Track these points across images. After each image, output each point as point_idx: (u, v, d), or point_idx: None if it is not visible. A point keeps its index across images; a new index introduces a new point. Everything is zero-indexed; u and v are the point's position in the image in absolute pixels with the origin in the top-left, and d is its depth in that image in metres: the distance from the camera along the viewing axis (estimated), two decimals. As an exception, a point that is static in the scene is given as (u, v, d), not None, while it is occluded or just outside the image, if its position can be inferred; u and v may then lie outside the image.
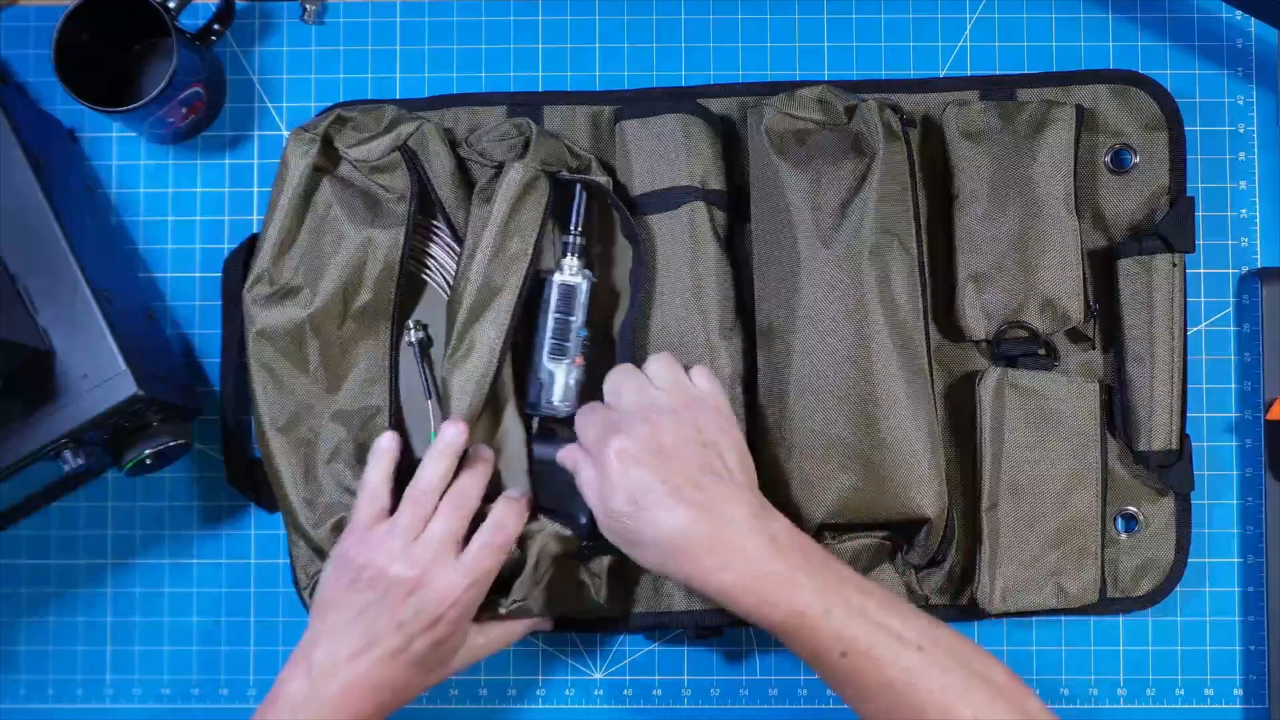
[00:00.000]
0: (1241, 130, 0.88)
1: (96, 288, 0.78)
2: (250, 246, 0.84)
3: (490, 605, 0.78)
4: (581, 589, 0.81)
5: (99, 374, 0.76)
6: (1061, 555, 0.82)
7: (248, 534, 0.88)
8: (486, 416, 0.81)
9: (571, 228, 0.82)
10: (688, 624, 0.84)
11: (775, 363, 0.81)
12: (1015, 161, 0.82)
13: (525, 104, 0.87)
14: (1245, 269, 0.88)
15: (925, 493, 0.79)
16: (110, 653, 0.88)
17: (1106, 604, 0.84)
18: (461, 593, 0.74)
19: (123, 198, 0.89)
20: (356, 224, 0.81)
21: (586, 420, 0.75)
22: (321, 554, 0.80)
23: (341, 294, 0.81)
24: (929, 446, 0.79)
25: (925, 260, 0.82)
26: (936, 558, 0.81)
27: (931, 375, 0.81)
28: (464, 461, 0.78)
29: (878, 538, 0.82)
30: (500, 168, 0.81)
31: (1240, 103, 0.88)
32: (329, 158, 0.83)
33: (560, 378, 0.82)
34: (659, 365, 0.77)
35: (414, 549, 0.74)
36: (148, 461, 0.81)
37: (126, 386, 0.76)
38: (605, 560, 0.81)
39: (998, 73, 0.88)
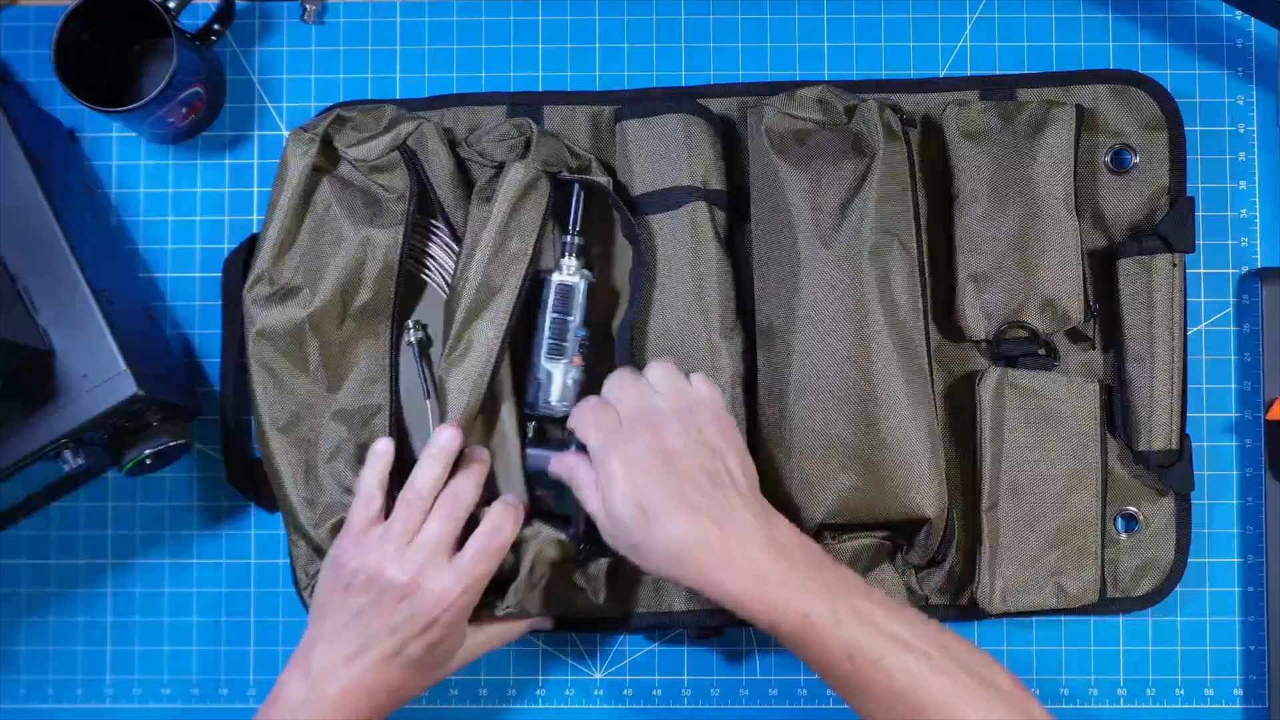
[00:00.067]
0: (1241, 130, 0.88)
1: (96, 288, 0.78)
2: (250, 246, 0.84)
3: (487, 607, 0.78)
4: (579, 592, 0.81)
5: (99, 374, 0.76)
6: (1061, 555, 0.82)
7: (248, 534, 0.88)
8: (483, 417, 0.81)
9: (571, 228, 0.82)
10: (688, 624, 0.84)
11: (775, 363, 0.81)
12: (1015, 161, 0.82)
13: (525, 104, 0.87)
14: (1245, 269, 0.88)
15: (925, 493, 0.79)
16: (110, 653, 0.88)
17: (1106, 604, 0.84)
18: (455, 597, 0.74)
19: (123, 198, 0.89)
20: (356, 224, 0.81)
21: (584, 422, 0.75)
22: (321, 553, 0.80)
23: (341, 294, 0.81)
24: (929, 446, 0.79)
25: (925, 260, 0.82)
26: (936, 558, 0.81)
27: (931, 375, 0.81)
28: (459, 463, 0.78)
29: (878, 538, 0.82)
30: (500, 168, 0.81)
31: (1240, 103, 0.88)
32: (328, 158, 0.83)
33: (558, 377, 0.82)
34: (659, 371, 0.77)
35: (407, 553, 0.74)
36: (148, 461, 0.81)
37: (126, 386, 0.76)
38: (603, 563, 0.81)
39: (998, 73, 0.88)
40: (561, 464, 0.76)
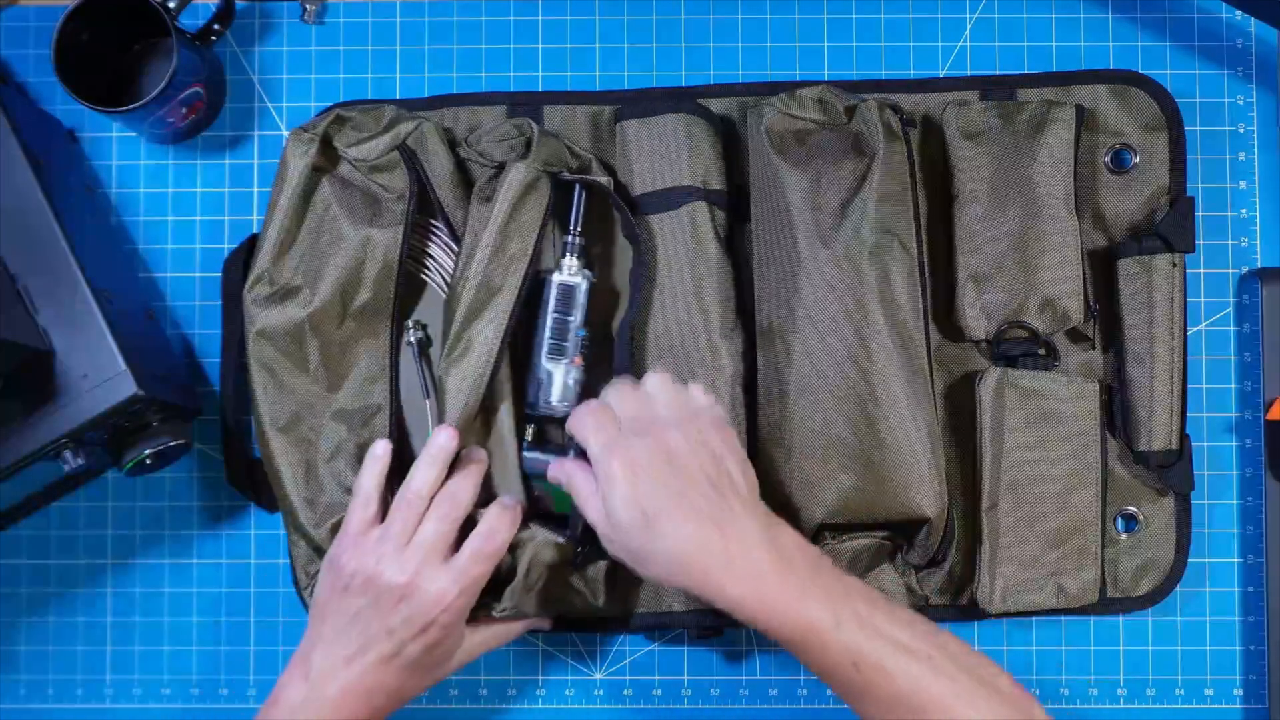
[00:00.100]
0: (1241, 130, 0.88)
1: (96, 288, 0.78)
2: (250, 246, 0.84)
3: (485, 608, 0.78)
4: (577, 595, 0.81)
5: (99, 374, 0.76)
6: (1061, 555, 0.82)
7: (248, 534, 0.88)
8: (481, 418, 0.80)
9: (571, 228, 0.82)
10: (688, 624, 0.84)
11: (775, 363, 0.81)
12: (1015, 161, 0.82)
13: (525, 104, 0.87)
14: (1245, 269, 0.88)
15: (925, 493, 0.79)
16: (110, 653, 0.88)
17: (1106, 604, 0.84)
18: (452, 599, 0.74)
19: (123, 198, 0.89)
20: (355, 223, 0.81)
21: (584, 424, 0.74)
22: (322, 553, 0.80)
23: (341, 293, 0.81)
24: (929, 446, 0.79)
25: (925, 260, 0.82)
26: (936, 558, 0.81)
27: (931, 375, 0.81)
28: (457, 463, 0.78)
29: (878, 538, 0.82)
30: (500, 168, 0.81)
31: (1240, 103, 0.88)
32: (328, 157, 0.83)
33: (558, 378, 0.82)
34: (656, 381, 0.76)
35: (404, 555, 0.74)
36: (148, 461, 0.81)
37: (126, 386, 0.76)
38: (601, 565, 0.81)
39: (998, 73, 0.88)
40: (560, 470, 0.76)
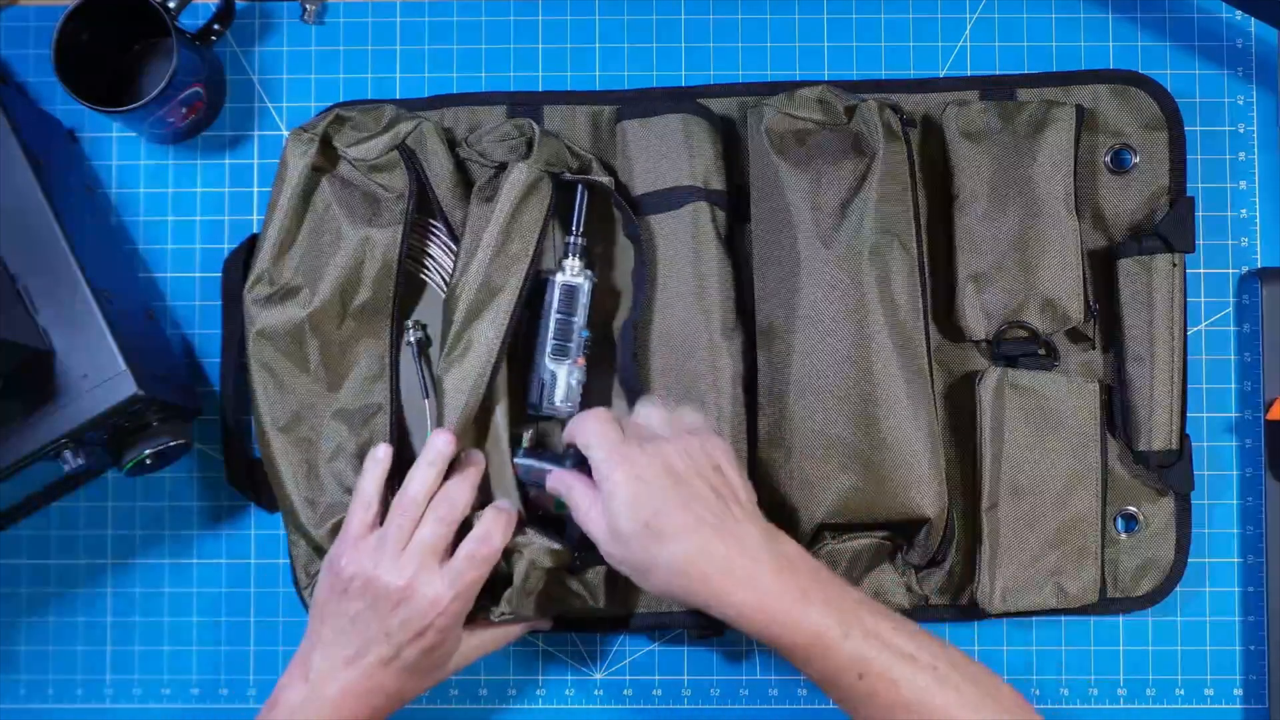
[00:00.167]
0: (1241, 130, 0.88)
1: (96, 288, 0.78)
2: (250, 246, 0.84)
3: (483, 611, 0.78)
4: (575, 598, 0.81)
5: (99, 374, 0.76)
6: (1061, 555, 0.82)
7: (248, 534, 0.88)
8: (477, 420, 0.80)
9: (573, 228, 0.82)
10: (688, 624, 0.84)
11: (775, 363, 0.81)
12: (1015, 161, 0.82)
13: (525, 104, 0.87)
14: (1245, 269, 0.88)
15: (925, 493, 0.79)
16: (110, 653, 0.88)
17: (1106, 604, 0.84)
18: (448, 602, 0.74)
19: (123, 198, 0.89)
20: (355, 223, 0.81)
21: (587, 431, 0.74)
22: (322, 553, 0.80)
23: (340, 293, 0.81)
24: (929, 446, 0.79)
25: (925, 260, 0.82)
26: (936, 558, 0.81)
27: (931, 375, 0.81)
28: (454, 466, 0.78)
29: (878, 538, 0.82)
30: (500, 168, 0.81)
31: (1240, 103, 0.88)
32: (328, 157, 0.83)
33: (562, 378, 0.82)
34: (648, 406, 0.77)
35: (401, 558, 0.74)
36: (148, 461, 0.81)
37: (126, 386, 0.76)
38: (600, 569, 0.81)
39: (998, 73, 0.88)
40: (559, 481, 0.76)
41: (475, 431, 0.81)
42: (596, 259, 0.85)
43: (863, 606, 0.70)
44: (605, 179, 0.82)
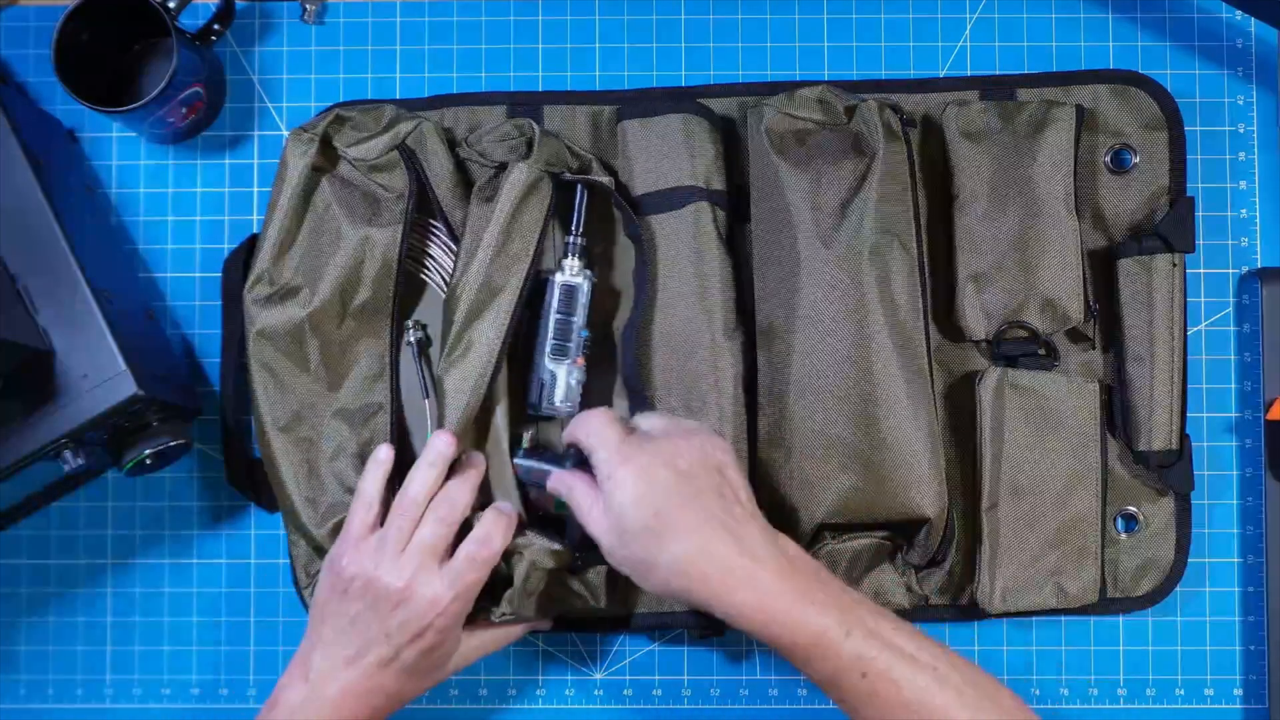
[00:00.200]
0: (1241, 130, 0.88)
1: (96, 288, 0.78)
2: (250, 246, 0.84)
3: (483, 612, 0.78)
4: (576, 598, 0.81)
5: (99, 374, 0.76)
6: (1061, 555, 0.82)
7: (248, 534, 0.88)
8: (477, 420, 0.80)
9: (573, 228, 0.82)
10: (688, 624, 0.84)
11: (775, 363, 0.81)
12: (1015, 161, 0.82)
13: (525, 104, 0.87)
14: (1245, 269, 0.88)
15: (925, 493, 0.79)
16: (110, 653, 0.88)
17: (1106, 604, 0.84)
18: (447, 604, 0.74)
19: (123, 198, 0.89)
20: (355, 223, 0.81)
21: (591, 430, 0.74)
22: (323, 553, 0.80)
23: (340, 293, 0.81)
24: (929, 446, 0.79)
25: (925, 260, 0.82)
26: (936, 558, 0.81)
27: (931, 375, 0.81)
28: (455, 467, 0.78)
29: (878, 538, 0.82)
30: (500, 168, 0.81)
31: (1240, 103, 0.88)
32: (328, 157, 0.83)
33: (562, 378, 0.82)
34: (649, 415, 0.77)
35: (401, 559, 0.74)
36: (148, 461, 0.81)
37: (126, 386, 0.76)
38: (601, 569, 0.81)
39: (998, 73, 0.88)
40: (560, 482, 0.76)
41: (475, 432, 0.80)
42: (596, 259, 0.85)
43: (862, 607, 0.70)
44: (605, 179, 0.82)
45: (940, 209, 0.85)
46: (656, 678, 0.87)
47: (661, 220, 0.82)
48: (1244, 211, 0.88)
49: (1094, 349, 0.85)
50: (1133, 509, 0.85)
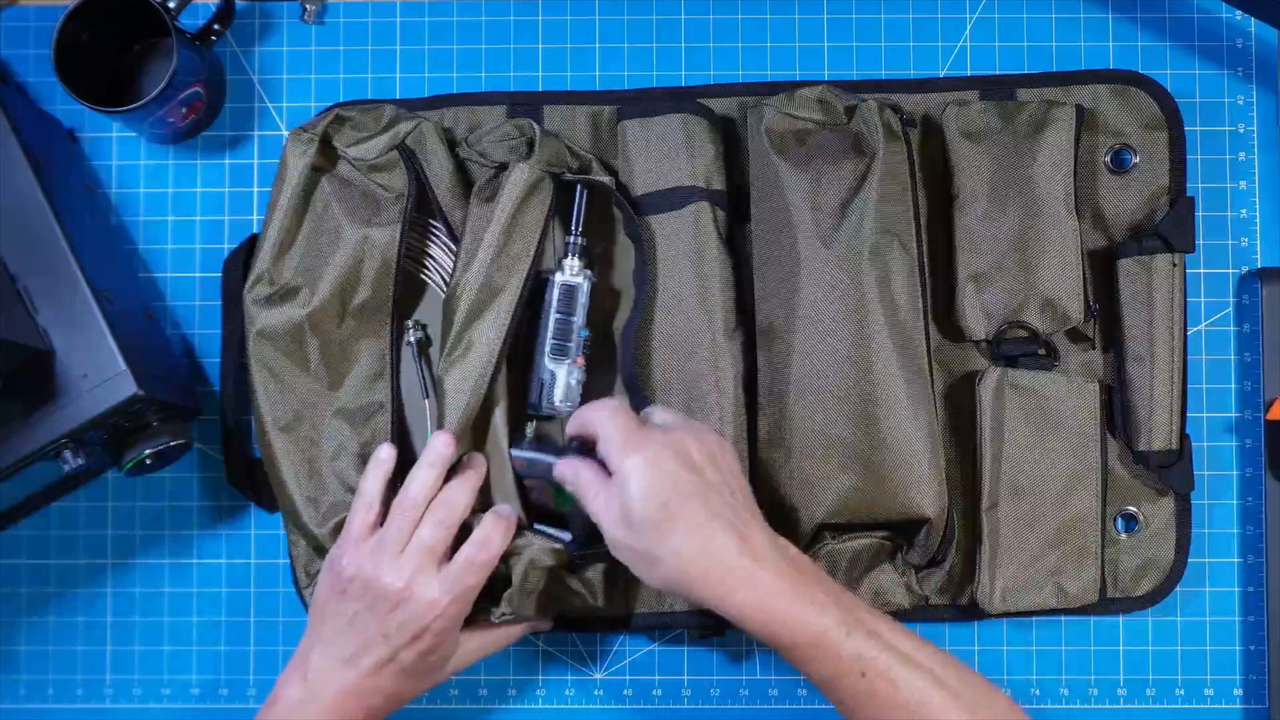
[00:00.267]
0: (1241, 130, 0.88)
1: (96, 288, 0.78)
2: (250, 246, 0.84)
3: (483, 612, 0.78)
4: (576, 596, 0.81)
5: (99, 374, 0.76)
6: (1061, 555, 0.82)
7: (248, 534, 0.88)
8: (476, 421, 0.80)
9: (573, 228, 0.82)
10: (688, 624, 0.84)
11: (775, 363, 0.81)
12: (1015, 161, 0.82)
13: (525, 104, 0.87)
14: (1245, 269, 0.88)
15: (925, 493, 0.79)
16: (110, 653, 0.88)
17: (1106, 604, 0.84)
18: (445, 605, 0.74)
19: (123, 198, 0.89)
20: (354, 223, 0.81)
21: (601, 420, 0.73)
22: (324, 552, 0.80)
23: (340, 292, 0.81)
24: (929, 446, 0.79)
25: (925, 260, 0.82)
26: (936, 558, 0.81)
27: (931, 375, 0.81)
28: (455, 469, 0.78)
29: (878, 538, 0.82)
30: (500, 168, 0.81)
31: (1240, 103, 0.88)
32: (327, 157, 0.83)
33: (562, 378, 0.82)
34: (659, 409, 0.77)
35: (400, 561, 0.74)
36: (148, 461, 0.81)
37: (126, 386, 0.76)
38: (600, 567, 0.81)
39: (998, 73, 0.88)
40: (567, 468, 0.75)
41: (474, 433, 0.80)
42: (596, 259, 0.85)
43: (860, 607, 0.70)
44: (606, 179, 0.82)
45: (940, 209, 0.85)
46: (656, 678, 0.87)
47: (661, 220, 0.82)
48: (1244, 211, 0.88)
49: (1094, 349, 0.85)
50: (1133, 509, 0.85)
